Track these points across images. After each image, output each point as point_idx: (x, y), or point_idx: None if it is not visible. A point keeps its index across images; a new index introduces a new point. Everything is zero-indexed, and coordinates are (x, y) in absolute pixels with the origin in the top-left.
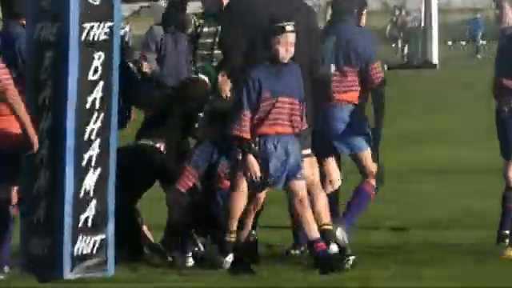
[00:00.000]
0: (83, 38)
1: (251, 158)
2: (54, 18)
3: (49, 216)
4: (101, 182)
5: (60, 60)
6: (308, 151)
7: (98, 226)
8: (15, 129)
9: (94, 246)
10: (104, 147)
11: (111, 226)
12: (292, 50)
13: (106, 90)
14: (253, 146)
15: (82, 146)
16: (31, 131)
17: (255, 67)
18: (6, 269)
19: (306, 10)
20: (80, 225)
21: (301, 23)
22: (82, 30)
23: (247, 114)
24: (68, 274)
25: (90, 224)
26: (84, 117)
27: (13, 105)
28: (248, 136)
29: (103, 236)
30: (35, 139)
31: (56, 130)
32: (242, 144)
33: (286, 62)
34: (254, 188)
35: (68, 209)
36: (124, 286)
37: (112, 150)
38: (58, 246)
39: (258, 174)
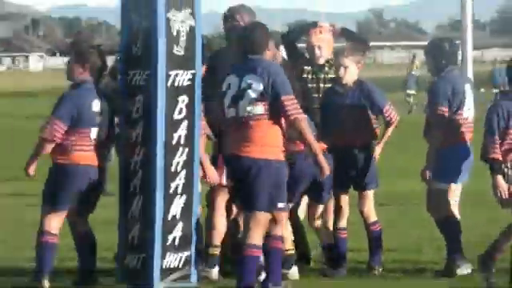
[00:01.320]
0: (169, 83)
1: (500, 178)
2: (145, 66)
3: (142, 235)
4: (186, 207)
5: (149, 102)
6: None
7: (183, 244)
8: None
9: (180, 261)
10: (189, 177)
11: (194, 245)
12: None
13: (190, 128)
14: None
15: (170, 176)
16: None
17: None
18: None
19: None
20: (168, 243)
21: None
22: (168, 76)
23: (497, 138)
24: (158, 284)
25: (176, 243)
26: (171, 151)
27: None
28: (500, 158)
29: (188, 253)
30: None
31: (147, 163)
32: (493, 165)
33: None
34: (501, 204)
35: (158, 230)
36: None
37: (195, 180)
38: (150, 260)
39: (506, 192)
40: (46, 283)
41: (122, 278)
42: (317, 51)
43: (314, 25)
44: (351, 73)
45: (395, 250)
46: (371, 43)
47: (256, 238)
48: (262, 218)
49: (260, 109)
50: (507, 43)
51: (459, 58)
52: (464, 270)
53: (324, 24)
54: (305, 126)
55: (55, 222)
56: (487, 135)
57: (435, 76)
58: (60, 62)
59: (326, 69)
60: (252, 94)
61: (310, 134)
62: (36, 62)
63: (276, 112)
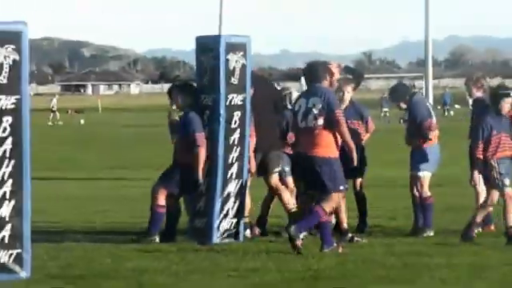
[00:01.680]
0: (228, 103)
1: (476, 173)
2: (211, 91)
3: (206, 206)
4: (239, 187)
5: (214, 117)
6: None
7: (233, 213)
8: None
9: (231, 225)
10: (240, 167)
11: (242, 214)
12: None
13: (242, 134)
14: None
15: (227, 166)
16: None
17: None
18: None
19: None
20: (224, 212)
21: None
22: (226, 98)
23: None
24: (215, 240)
25: (230, 211)
26: (228, 149)
27: None
28: (482, 158)
29: (238, 219)
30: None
31: (211, 155)
32: (477, 163)
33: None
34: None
35: (217, 202)
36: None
37: (245, 169)
38: (211, 223)
39: (477, 181)
40: (157, 238)
41: (192, 235)
42: None
43: (327, 63)
44: (346, 96)
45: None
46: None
47: (328, 210)
48: (334, 196)
49: (321, 121)
50: (456, 74)
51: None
52: (429, 233)
53: (333, 62)
54: (347, 134)
55: (163, 197)
56: (475, 141)
57: (395, 102)
58: (150, 88)
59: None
60: (315, 111)
61: (349, 139)
62: (135, 88)
63: (331, 123)
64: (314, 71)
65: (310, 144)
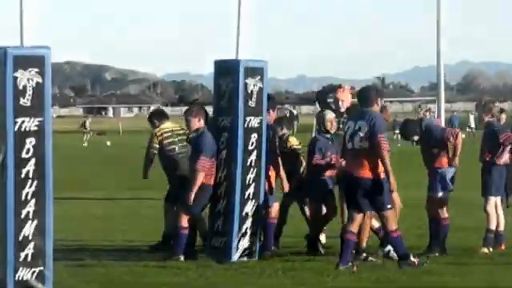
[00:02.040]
0: (245, 125)
1: None
2: (229, 113)
3: (224, 225)
4: (256, 208)
5: (232, 138)
6: None
7: (251, 232)
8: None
9: (249, 244)
10: (258, 187)
11: (259, 232)
12: None
13: (258, 156)
14: None
15: (245, 186)
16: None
17: None
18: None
19: None
20: (242, 231)
21: None
22: (245, 120)
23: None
24: (234, 259)
25: (248, 231)
26: (246, 170)
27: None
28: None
29: (255, 238)
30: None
31: (229, 176)
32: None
33: None
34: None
35: (235, 222)
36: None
37: (262, 189)
38: (229, 242)
39: None
40: (182, 257)
41: (210, 254)
42: (340, 103)
43: (340, 86)
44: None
45: None
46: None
47: (393, 225)
48: (388, 213)
49: (366, 144)
50: (467, 99)
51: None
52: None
53: (346, 86)
54: (387, 160)
55: (186, 219)
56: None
57: (408, 139)
58: (170, 111)
59: (345, 115)
60: (361, 134)
61: (389, 166)
62: None
63: (374, 146)
64: (365, 95)
65: (356, 165)
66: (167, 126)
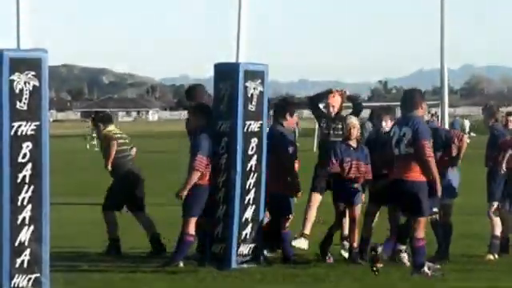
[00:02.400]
0: (245, 130)
1: None
2: (228, 118)
3: (224, 231)
4: (255, 212)
5: (232, 142)
6: None
7: (251, 238)
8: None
9: (249, 250)
10: (258, 193)
11: (259, 238)
12: None
13: (258, 160)
14: None
15: (245, 191)
16: None
17: None
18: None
19: None
20: (242, 237)
21: None
22: (244, 125)
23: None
24: (233, 265)
25: (248, 237)
26: (246, 174)
27: None
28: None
29: (255, 244)
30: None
31: (229, 181)
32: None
33: None
34: None
35: (235, 228)
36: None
37: (263, 194)
38: (229, 248)
39: None
40: (181, 263)
41: (210, 260)
42: (331, 108)
43: (331, 91)
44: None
45: None
46: (379, 104)
47: (422, 233)
48: (422, 220)
49: (411, 149)
50: (471, 103)
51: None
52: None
53: (336, 91)
54: (433, 166)
55: (193, 226)
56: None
57: None
58: (168, 115)
59: (336, 120)
60: (405, 140)
61: (435, 170)
62: (153, 115)
63: (419, 152)
64: (409, 99)
65: (402, 169)
66: (112, 129)
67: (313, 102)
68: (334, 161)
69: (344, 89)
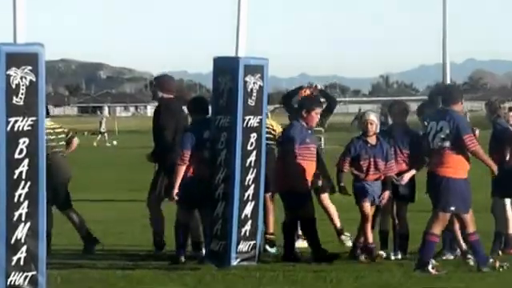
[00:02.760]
0: (244, 125)
1: None
2: (228, 113)
3: (223, 228)
4: (254, 210)
5: (231, 138)
6: None
7: (251, 235)
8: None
9: (248, 247)
10: (257, 189)
11: (259, 235)
12: None
13: (258, 156)
14: None
15: (244, 188)
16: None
17: None
18: (183, 259)
19: None
20: (241, 234)
21: None
22: (243, 120)
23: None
24: (233, 263)
25: (247, 234)
26: (245, 170)
27: None
28: None
29: (255, 241)
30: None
31: (228, 179)
32: None
33: None
34: None
35: (235, 225)
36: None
37: (261, 190)
38: (228, 246)
39: None
40: (183, 258)
41: (209, 258)
42: None
43: (302, 88)
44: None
45: None
46: (380, 98)
47: (438, 229)
48: (441, 216)
49: (448, 143)
50: (473, 97)
51: None
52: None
53: (308, 87)
54: (482, 154)
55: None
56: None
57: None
58: None
59: None
60: (442, 135)
61: (486, 157)
62: (151, 110)
63: (459, 145)
64: (448, 93)
65: (438, 163)
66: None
67: (286, 101)
68: (345, 160)
69: (315, 83)
